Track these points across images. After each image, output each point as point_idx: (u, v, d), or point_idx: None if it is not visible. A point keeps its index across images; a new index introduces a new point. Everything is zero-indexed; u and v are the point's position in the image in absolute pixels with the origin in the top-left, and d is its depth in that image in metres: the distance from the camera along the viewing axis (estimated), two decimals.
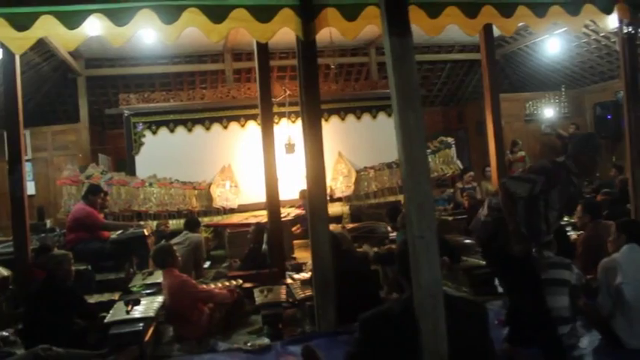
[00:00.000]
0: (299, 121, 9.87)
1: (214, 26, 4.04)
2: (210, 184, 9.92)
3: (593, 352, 3.86)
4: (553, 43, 11.94)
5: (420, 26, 4.65)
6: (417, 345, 2.39)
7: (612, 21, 5.66)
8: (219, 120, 10.45)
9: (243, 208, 9.92)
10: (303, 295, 5.06)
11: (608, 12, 5.15)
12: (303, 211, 9.35)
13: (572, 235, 6.25)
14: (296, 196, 9.38)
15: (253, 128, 10.34)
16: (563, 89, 13.51)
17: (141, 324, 4.43)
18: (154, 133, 10.18)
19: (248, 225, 7.91)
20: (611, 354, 3.81)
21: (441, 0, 4.55)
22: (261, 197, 9.40)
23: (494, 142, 7.75)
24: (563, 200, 3.78)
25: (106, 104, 12.03)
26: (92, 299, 5.38)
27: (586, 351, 3.86)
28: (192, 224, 7.51)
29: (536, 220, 3.75)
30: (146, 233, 6.93)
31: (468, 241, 6.89)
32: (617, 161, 12.54)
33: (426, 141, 2.47)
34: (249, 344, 4.41)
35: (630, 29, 5.42)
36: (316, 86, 4.67)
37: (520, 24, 5.53)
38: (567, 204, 3.89)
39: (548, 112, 13.43)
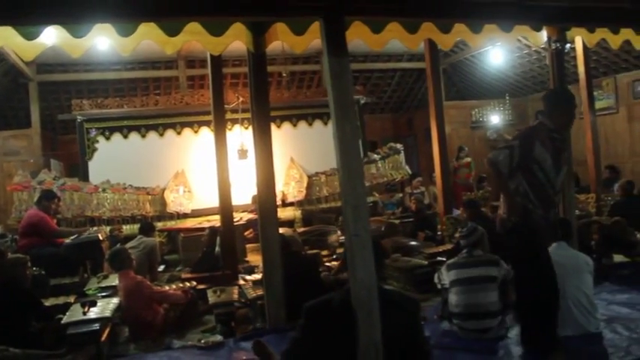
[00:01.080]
0: (252, 128, 10.13)
1: (169, 39, 4.23)
2: (163, 190, 10.02)
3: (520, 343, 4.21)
4: (496, 54, 12.50)
5: (364, 40, 4.95)
6: (354, 332, 2.68)
7: (542, 37, 6.12)
8: (172, 126, 10.59)
9: (196, 213, 10.06)
10: (254, 295, 5.27)
11: (538, 29, 5.55)
12: (256, 216, 9.59)
13: None
14: (249, 200, 9.58)
15: (207, 134, 10.49)
16: (507, 97, 14.11)
17: (97, 324, 4.57)
18: (108, 138, 10.25)
19: (202, 229, 8.09)
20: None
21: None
22: (214, 202, 9.56)
23: (439, 149, 8.16)
24: (555, 155, 3.82)
25: (58, 110, 11.96)
26: (48, 302, 5.44)
27: (513, 341, 4.22)
28: (146, 228, 7.64)
29: (540, 186, 3.78)
30: (101, 238, 7.02)
31: (413, 243, 7.28)
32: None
33: (360, 150, 2.76)
34: (202, 341, 4.61)
35: (558, 45, 5.87)
36: (266, 96, 4.90)
37: (458, 39, 5.89)
38: (560, 157, 3.90)
39: (494, 119, 14.03)
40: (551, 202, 3.89)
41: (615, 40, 5.99)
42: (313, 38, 4.73)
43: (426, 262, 5.95)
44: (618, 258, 6.27)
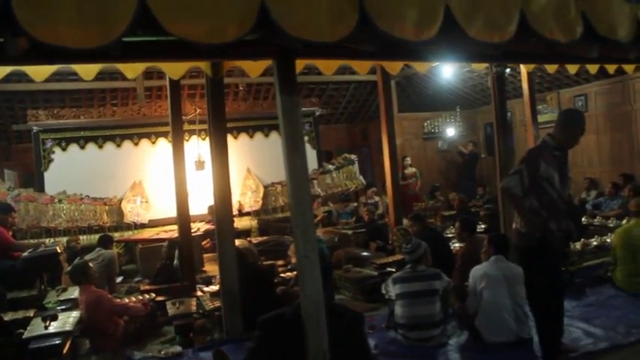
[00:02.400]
0: (209, 140, 10.30)
1: (130, 65, 4.44)
2: (121, 200, 10.08)
3: (460, 348, 4.57)
4: (447, 69, 12.97)
5: (317, 65, 5.25)
6: (304, 342, 2.96)
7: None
8: (130, 137, 10.64)
9: (153, 223, 10.12)
10: (212, 306, 5.50)
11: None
12: (213, 226, 9.76)
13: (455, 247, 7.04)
14: (206, 211, 9.74)
15: (164, 145, 10.60)
16: (458, 109, 14.61)
17: (59, 338, 4.73)
18: (64, 149, 10.24)
19: (159, 240, 8.22)
20: (473, 348, 4.53)
21: None
22: (171, 212, 9.68)
23: (389, 160, 8.48)
24: (560, 170, 4.08)
25: (12, 119, 11.85)
26: (7, 317, 5.53)
27: (453, 347, 4.57)
28: (105, 241, 7.74)
29: (551, 201, 4.03)
30: (58, 250, 7.09)
31: (365, 253, 7.60)
32: None
33: (308, 179, 3.05)
34: (162, 352, 4.81)
35: (498, 69, 6.32)
36: (223, 116, 5.11)
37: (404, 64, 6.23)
38: (565, 171, 4.16)
39: (445, 131, 14.54)
40: (562, 212, 4.16)
41: (551, 67, 6.47)
42: (268, 63, 5.01)
43: (376, 273, 6.27)
44: None
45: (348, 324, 3.10)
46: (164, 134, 10.49)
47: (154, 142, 10.82)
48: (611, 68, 6.69)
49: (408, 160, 12.92)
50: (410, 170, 12.72)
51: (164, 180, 9.77)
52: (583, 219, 9.03)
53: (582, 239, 6.97)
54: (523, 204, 4.04)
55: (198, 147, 9.98)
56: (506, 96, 6.78)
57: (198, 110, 10.02)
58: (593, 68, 6.81)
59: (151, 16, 2.12)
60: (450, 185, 14.19)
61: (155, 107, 10.78)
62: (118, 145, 10.59)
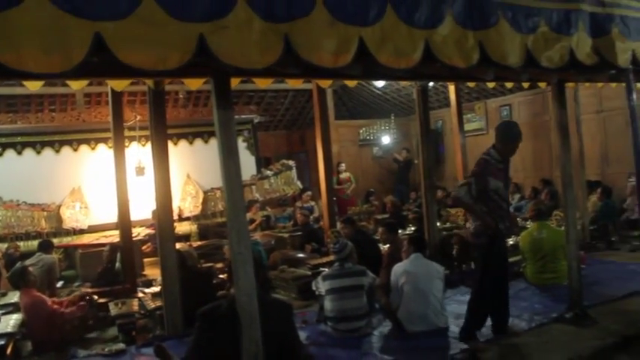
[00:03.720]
0: (149, 145, 10.47)
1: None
2: (59, 206, 10.13)
3: (383, 337, 5.03)
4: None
5: (253, 79, 5.61)
6: (239, 331, 3.32)
7: None
8: (69, 143, 10.69)
9: (93, 229, 10.22)
10: (153, 306, 5.78)
11: None
12: (153, 231, 9.96)
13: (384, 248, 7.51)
14: (145, 216, 9.87)
15: (104, 151, 10.71)
16: (392, 117, 15.22)
17: (2, 340, 4.91)
18: (0, 155, 10.22)
19: (99, 245, 8.38)
20: (395, 337, 5.00)
21: None
22: (110, 218, 9.84)
23: (324, 166, 8.91)
24: (504, 179, 4.75)
25: None
26: None
27: (377, 337, 5.03)
28: (45, 246, 7.84)
29: (499, 207, 4.71)
30: None
31: (300, 255, 8.00)
32: (437, 182, 14.52)
33: (242, 184, 3.43)
34: (106, 350, 5.06)
35: (422, 83, 6.85)
36: (164, 122, 5.37)
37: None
38: (507, 179, 4.86)
39: (381, 138, 15.14)
40: (506, 214, 4.86)
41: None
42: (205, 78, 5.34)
43: (309, 273, 6.67)
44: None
45: (278, 313, 3.49)
46: (104, 140, 10.61)
47: (93, 148, 10.90)
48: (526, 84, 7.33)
49: (343, 166, 13.43)
50: (344, 175, 13.23)
51: (104, 186, 9.90)
52: None
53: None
54: (475, 208, 4.70)
55: (138, 153, 10.14)
56: (429, 107, 7.32)
57: (138, 117, 10.19)
58: (509, 83, 7.43)
59: (105, 46, 2.47)
60: (385, 190, 14.78)
61: (95, 113, 10.86)
62: (57, 151, 10.62)
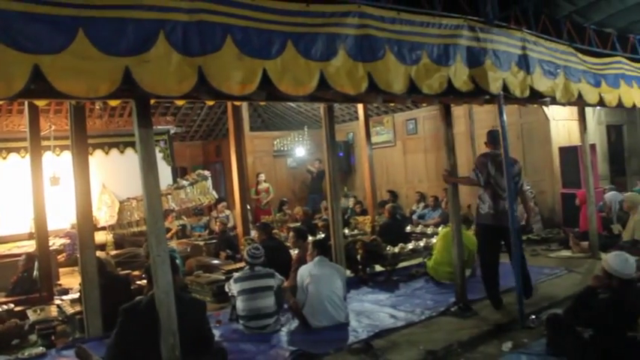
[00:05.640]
0: (64, 155, 10.54)
1: None
2: None
3: (290, 333, 5.55)
4: None
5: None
6: (158, 323, 3.74)
7: None
8: None
9: (3, 240, 10.10)
10: (73, 311, 6.01)
11: None
12: (68, 240, 10.06)
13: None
14: (60, 226, 9.94)
15: (15, 160, 10.68)
16: (306, 129, 15.79)
17: None
18: None
19: (13, 255, 8.39)
20: (300, 332, 5.53)
21: None
22: (22, 229, 9.85)
23: (238, 176, 9.34)
24: (499, 169, 5.86)
25: None
26: None
27: (285, 333, 5.55)
28: None
29: (493, 191, 5.95)
30: None
31: (215, 261, 8.40)
32: (348, 191, 15.26)
33: (160, 195, 3.87)
34: (26, 354, 5.25)
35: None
36: (85, 134, 5.58)
37: None
38: (501, 169, 5.84)
39: (295, 149, 15.69)
40: (500, 198, 5.94)
41: None
42: None
43: (223, 277, 7.08)
44: (380, 268, 8.02)
45: (193, 309, 3.96)
46: (16, 150, 10.58)
47: (4, 158, 10.82)
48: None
49: (262, 177, 13.89)
50: (263, 185, 13.71)
51: (15, 196, 9.87)
52: (408, 227, 10.46)
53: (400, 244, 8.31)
54: (461, 179, 6.38)
55: (53, 163, 10.15)
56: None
57: (52, 126, 10.24)
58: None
59: (42, 77, 2.88)
60: (298, 200, 15.36)
61: (6, 122, 10.80)
62: None
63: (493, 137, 6.09)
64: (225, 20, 3.63)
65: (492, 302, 6.00)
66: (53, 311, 6.09)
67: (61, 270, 9.22)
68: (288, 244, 7.76)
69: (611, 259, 4.08)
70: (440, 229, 9.32)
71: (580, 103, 7.29)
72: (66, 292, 7.63)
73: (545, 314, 5.24)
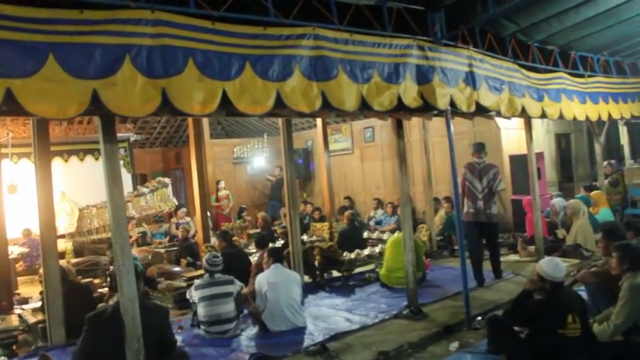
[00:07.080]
0: (21, 162, 10.51)
1: None
2: None
3: (250, 337, 5.77)
4: None
5: None
6: (123, 330, 3.94)
7: None
8: None
9: None
10: (34, 320, 6.10)
11: None
12: (27, 249, 10.04)
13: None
14: (16, 235, 9.88)
15: None
16: (265, 136, 16.00)
17: None
18: None
19: None
20: (259, 336, 5.78)
21: None
22: None
23: (198, 184, 9.49)
24: (478, 175, 7.36)
25: None
26: None
27: (245, 337, 5.77)
28: None
29: (471, 193, 7.39)
30: None
31: (176, 268, 8.55)
32: (307, 197, 15.51)
33: (124, 205, 4.06)
34: None
35: None
36: (47, 142, 5.69)
37: None
38: (480, 175, 7.36)
39: (254, 156, 15.88)
40: (477, 199, 7.33)
41: None
42: None
43: (185, 284, 7.26)
44: (337, 273, 8.30)
45: (156, 315, 4.16)
46: None
47: None
48: None
49: (222, 184, 14.04)
50: (223, 192, 13.87)
51: None
52: (365, 234, 10.75)
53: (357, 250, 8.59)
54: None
55: (10, 171, 10.11)
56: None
57: (10, 134, 10.20)
58: None
59: (14, 99, 3.07)
60: (258, 206, 15.55)
61: None
62: None
63: (475, 148, 7.56)
64: (187, 44, 3.89)
65: (478, 281, 7.31)
66: (14, 321, 6.17)
67: (19, 279, 9.21)
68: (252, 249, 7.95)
69: (544, 264, 4.45)
70: (386, 236, 9.78)
71: (524, 116, 7.75)
72: (26, 301, 7.66)
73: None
